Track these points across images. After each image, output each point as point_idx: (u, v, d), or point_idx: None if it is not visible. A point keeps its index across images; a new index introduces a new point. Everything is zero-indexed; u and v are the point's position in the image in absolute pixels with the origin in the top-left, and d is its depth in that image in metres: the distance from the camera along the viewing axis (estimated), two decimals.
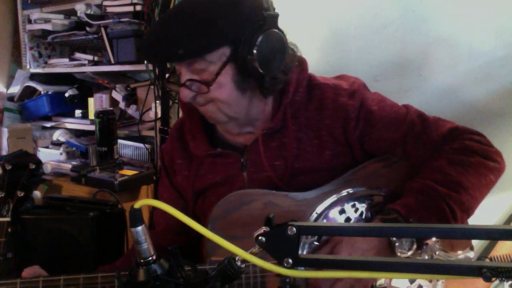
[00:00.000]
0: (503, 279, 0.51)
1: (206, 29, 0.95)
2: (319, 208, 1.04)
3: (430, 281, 1.02)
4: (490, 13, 1.73)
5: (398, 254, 0.92)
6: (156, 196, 2.16)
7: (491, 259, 0.57)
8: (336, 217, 1.03)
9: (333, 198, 1.04)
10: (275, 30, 0.99)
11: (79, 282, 0.96)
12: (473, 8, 1.76)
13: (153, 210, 1.32)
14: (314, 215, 1.03)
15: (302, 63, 1.12)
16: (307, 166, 1.08)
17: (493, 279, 0.51)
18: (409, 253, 0.91)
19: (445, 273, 0.53)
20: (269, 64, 0.98)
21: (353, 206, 1.04)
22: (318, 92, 1.10)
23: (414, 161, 1.06)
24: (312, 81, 1.12)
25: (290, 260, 0.58)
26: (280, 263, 0.59)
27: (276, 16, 1.00)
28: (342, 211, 1.04)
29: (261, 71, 0.97)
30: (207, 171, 1.16)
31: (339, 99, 1.08)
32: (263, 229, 0.61)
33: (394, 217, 0.94)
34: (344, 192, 1.05)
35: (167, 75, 1.11)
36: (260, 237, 0.60)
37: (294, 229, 0.58)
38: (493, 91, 1.77)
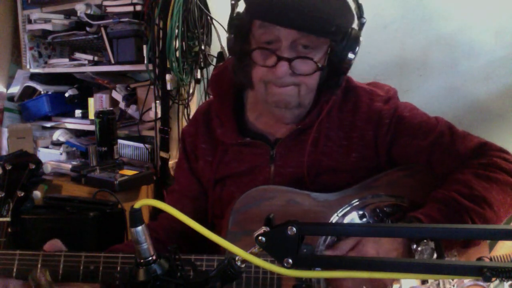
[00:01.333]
0: (503, 279, 0.51)
1: (347, 12, 0.96)
2: (341, 212, 1.03)
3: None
4: (490, 13, 1.73)
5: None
6: (156, 196, 2.17)
7: (491, 259, 0.57)
8: (356, 221, 1.03)
9: (355, 202, 1.04)
10: (361, 35, 1.01)
11: (99, 260, 0.96)
12: (473, 8, 1.76)
13: (154, 209, 1.31)
14: (335, 217, 1.03)
15: None
16: (333, 166, 1.08)
17: (493, 279, 0.51)
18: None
19: (445, 273, 0.53)
20: (350, 64, 1.00)
21: (374, 211, 1.03)
22: (354, 94, 1.11)
23: (439, 172, 1.05)
24: (349, 83, 1.13)
25: (290, 260, 0.58)
26: (280, 263, 0.59)
27: (365, 22, 1.03)
28: (362, 216, 1.03)
29: (344, 69, 1.00)
30: (232, 159, 1.13)
31: (374, 104, 1.09)
32: (263, 229, 0.61)
33: None
34: (366, 197, 1.04)
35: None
36: (260, 237, 0.60)
37: (294, 229, 0.58)
38: (493, 91, 1.77)
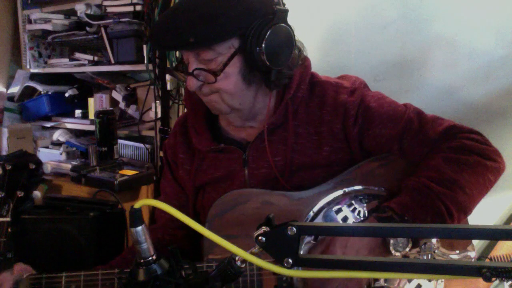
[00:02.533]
0: (503, 279, 0.51)
1: (217, 18, 0.95)
2: (316, 207, 1.04)
3: (430, 280, 1.02)
4: (490, 13, 1.73)
5: (393, 252, 0.92)
6: (156, 196, 2.16)
7: (491, 259, 0.57)
8: (333, 216, 1.04)
9: (330, 197, 1.04)
10: (284, 25, 1.00)
11: (79, 279, 0.97)
12: (473, 8, 1.76)
13: (154, 209, 1.32)
14: (311, 214, 1.03)
15: (305, 61, 1.14)
16: (306, 162, 1.09)
17: (493, 279, 0.51)
18: (406, 250, 0.91)
19: (445, 273, 0.53)
20: (276, 58, 0.99)
21: (350, 205, 1.04)
22: (320, 89, 1.11)
23: (411, 159, 1.06)
24: (314, 79, 1.13)
25: (290, 260, 0.58)
26: (280, 263, 0.59)
27: (286, 11, 1.01)
28: (339, 210, 1.04)
29: (268, 64, 0.98)
30: (209, 166, 1.16)
31: (340, 96, 1.09)
32: (263, 229, 0.61)
33: (389, 214, 0.94)
34: (340, 191, 1.05)
35: (174, 64, 1.12)
36: (260, 237, 0.60)
37: (294, 229, 0.58)
38: (493, 91, 1.77)
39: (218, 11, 0.96)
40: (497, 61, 1.74)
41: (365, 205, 1.04)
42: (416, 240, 0.92)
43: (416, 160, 1.05)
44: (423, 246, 0.91)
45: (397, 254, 0.91)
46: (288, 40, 1.01)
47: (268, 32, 0.96)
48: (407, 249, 0.91)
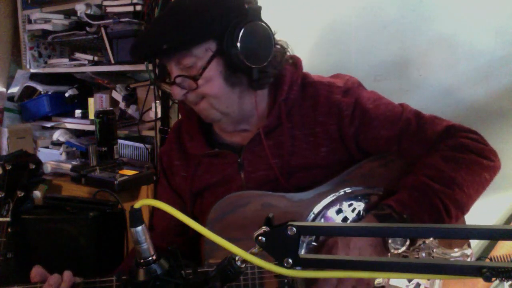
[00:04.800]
0: (503, 279, 0.51)
1: (189, 22, 0.96)
2: (316, 208, 1.04)
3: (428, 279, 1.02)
4: (490, 13, 1.73)
5: (392, 250, 0.92)
6: (156, 196, 2.16)
7: (491, 259, 0.57)
8: (333, 217, 1.04)
9: (330, 198, 1.04)
10: (258, 22, 1.00)
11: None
12: (473, 8, 1.76)
13: (153, 211, 1.32)
14: (312, 215, 1.03)
15: (296, 62, 1.13)
16: (304, 163, 1.09)
17: (493, 279, 0.51)
18: (402, 249, 0.91)
19: (445, 273, 0.53)
20: (254, 56, 0.99)
21: (350, 205, 1.04)
22: (312, 90, 1.11)
23: (410, 159, 1.06)
24: (306, 79, 1.12)
25: (290, 260, 0.58)
26: (280, 263, 0.59)
27: (258, 9, 1.01)
28: (339, 211, 1.04)
29: (247, 63, 0.98)
30: (204, 171, 1.16)
31: (333, 96, 1.08)
32: (263, 229, 0.61)
33: (388, 212, 0.94)
34: (341, 192, 1.05)
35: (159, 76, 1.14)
36: (260, 237, 0.60)
37: (294, 229, 0.58)
38: (493, 91, 1.77)
39: (191, 16, 0.97)
40: (497, 61, 1.74)
41: (364, 205, 1.04)
42: (414, 239, 0.92)
43: (414, 160, 1.05)
44: (422, 245, 0.91)
45: (395, 252, 0.91)
46: (265, 36, 1.01)
47: (242, 31, 0.96)
48: (404, 248, 0.91)
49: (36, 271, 0.93)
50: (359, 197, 1.05)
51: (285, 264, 0.58)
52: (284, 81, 1.08)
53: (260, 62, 1.00)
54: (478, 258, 0.86)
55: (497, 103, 1.77)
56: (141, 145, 2.29)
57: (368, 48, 1.94)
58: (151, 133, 2.25)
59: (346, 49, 1.99)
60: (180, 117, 2.18)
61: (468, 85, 1.80)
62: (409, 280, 1.00)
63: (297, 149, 1.09)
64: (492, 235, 0.55)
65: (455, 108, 1.82)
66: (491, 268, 0.50)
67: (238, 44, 0.96)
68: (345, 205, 1.04)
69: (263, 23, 1.01)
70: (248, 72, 1.01)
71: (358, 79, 1.14)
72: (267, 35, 1.01)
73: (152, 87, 2.18)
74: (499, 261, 0.54)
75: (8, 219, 1.11)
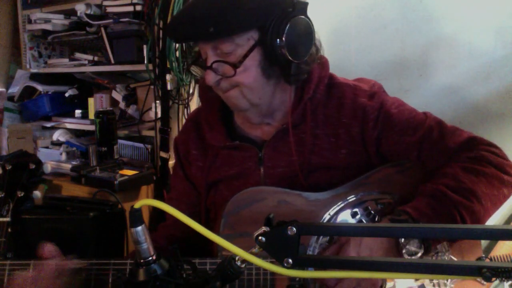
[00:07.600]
0: (503, 279, 0.51)
1: (237, 9, 0.95)
2: (332, 210, 1.03)
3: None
4: (490, 13, 1.73)
5: (405, 256, 0.91)
6: (156, 196, 2.16)
7: (491, 259, 0.57)
8: (348, 220, 1.03)
9: (346, 200, 1.04)
10: (304, 17, 1.00)
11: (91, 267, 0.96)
12: (473, 8, 1.76)
13: (154, 209, 1.31)
14: (327, 216, 1.03)
15: (324, 62, 1.13)
16: (323, 163, 1.08)
17: (493, 279, 0.51)
18: (418, 256, 0.90)
19: (445, 273, 0.53)
20: (296, 51, 0.99)
21: (366, 209, 1.03)
22: (338, 90, 1.11)
23: (429, 167, 1.05)
24: (332, 80, 1.12)
25: (290, 260, 0.58)
26: (280, 263, 0.59)
27: (306, 4, 1.01)
28: (354, 214, 1.03)
29: (288, 57, 0.97)
30: (222, 163, 1.15)
31: (358, 99, 1.08)
32: (263, 229, 0.61)
33: (404, 218, 0.93)
34: (357, 195, 1.04)
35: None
36: (260, 237, 0.60)
37: (294, 229, 0.58)
38: (493, 91, 1.77)
39: (237, 2, 0.96)
40: (497, 61, 1.74)
41: (380, 210, 1.03)
42: (428, 247, 0.91)
43: (433, 169, 1.04)
44: (435, 255, 0.91)
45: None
46: (308, 33, 1.01)
47: (288, 24, 0.96)
48: (419, 255, 0.90)
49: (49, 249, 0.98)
50: (375, 202, 1.04)
51: (285, 264, 0.58)
52: (311, 79, 1.08)
53: (300, 57, 1.00)
54: (478, 258, 0.86)
55: (497, 103, 1.77)
56: (141, 145, 2.29)
57: (368, 48, 1.94)
58: (151, 133, 2.26)
59: (346, 49, 1.99)
60: (179, 117, 2.20)
61: (468, 85, 1.81)
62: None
63: (318, 148, 1.09)
64: (492, 235, 0.55)
65: (455, 108, 1.82)
66: (491, 268, 0.50)
67: (283, 38, 0.96)
68: (360, 209, 1.03)
69: (308, 19, 1.01)
70: (286, 66, 1.00)
71: (381, 84, 1.14)
72: (309, 31, 1.01)
73: (152, 87, 2.18)
74: (499, 261, 0.54)
75: (8, 219, 1.11)
